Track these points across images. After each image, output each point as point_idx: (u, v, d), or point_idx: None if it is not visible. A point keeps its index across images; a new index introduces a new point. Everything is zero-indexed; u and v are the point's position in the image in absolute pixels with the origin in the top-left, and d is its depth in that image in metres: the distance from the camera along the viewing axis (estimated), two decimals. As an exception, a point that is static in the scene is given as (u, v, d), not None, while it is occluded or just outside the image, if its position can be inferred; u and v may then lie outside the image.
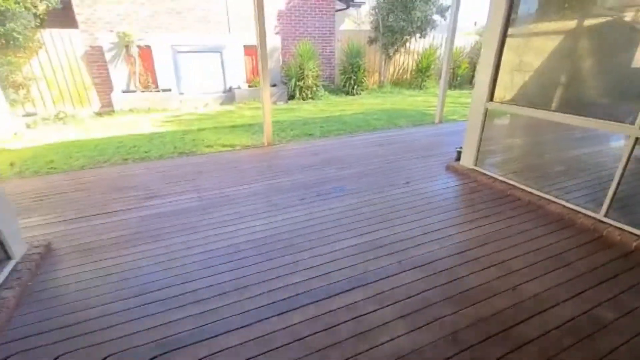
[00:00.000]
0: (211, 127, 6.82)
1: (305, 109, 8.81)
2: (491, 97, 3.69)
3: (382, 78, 12.27)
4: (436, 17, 11.05)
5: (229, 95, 9.85)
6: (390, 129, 6.56)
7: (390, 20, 10.78)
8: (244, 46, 9.94)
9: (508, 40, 3.43)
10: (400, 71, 13.05)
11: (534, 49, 3.35)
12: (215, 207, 3.35)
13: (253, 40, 10.25)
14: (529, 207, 3.23)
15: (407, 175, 4.09)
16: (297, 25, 10.88)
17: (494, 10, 3.44)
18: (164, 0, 9.19)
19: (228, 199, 3.51)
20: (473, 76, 13.28)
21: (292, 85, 10.12)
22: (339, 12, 12.25)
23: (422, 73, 12.42)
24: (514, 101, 3.53)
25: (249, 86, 10.01)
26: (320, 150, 5.12)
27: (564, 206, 3.11)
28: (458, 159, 4.51)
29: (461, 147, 4.56)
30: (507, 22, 3.38)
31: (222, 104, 9.73)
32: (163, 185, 3.88)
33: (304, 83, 10.19)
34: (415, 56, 12.64)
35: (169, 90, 9.19)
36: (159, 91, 9.09)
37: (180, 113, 8.41)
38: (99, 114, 8.55)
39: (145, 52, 8.97)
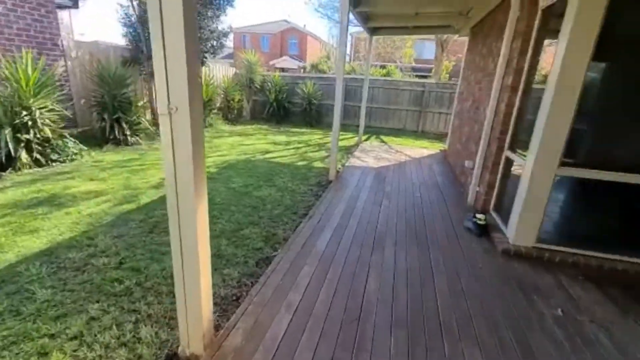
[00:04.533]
0: None
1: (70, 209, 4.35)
2: (562, 161, 2.95)
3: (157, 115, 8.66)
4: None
5: None
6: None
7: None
8: None
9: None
10: (170, 105, 9.85)
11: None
12: None
13: None
14: None
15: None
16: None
17: (575, 42, 2.67)
18: None
19: None
20: (241, 108, 12.38)
21: (4, 143, 4.79)
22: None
23: (204, 106, 9.97)
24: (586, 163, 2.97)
25: None
26: None
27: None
28: (481, 234, 3.52)
29: (477, 217, 3.59)
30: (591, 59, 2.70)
31: None
32: None
33: (35, 134, 5.12)
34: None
35: None
36: None
37: None
38: None
39: None
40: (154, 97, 8.54)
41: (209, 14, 8.43)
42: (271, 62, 30.19)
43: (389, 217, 3.97)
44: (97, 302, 2.30)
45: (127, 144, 7.08)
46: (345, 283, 2.60)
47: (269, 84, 12.42)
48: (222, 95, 11.43)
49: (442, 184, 5.50)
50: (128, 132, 7.09)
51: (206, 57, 8.82)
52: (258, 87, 12.45)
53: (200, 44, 8.12)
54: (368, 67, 8.66)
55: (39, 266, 2.66)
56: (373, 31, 7.97)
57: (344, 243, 3.25)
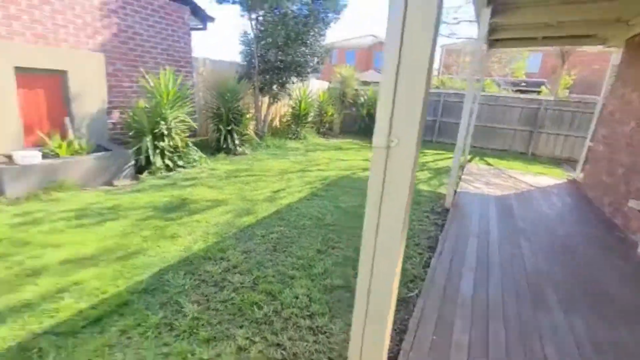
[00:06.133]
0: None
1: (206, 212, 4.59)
2: None
3: (260, 126, 9.17)
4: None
5: (-18, 182, 3.97)
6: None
7: (283, 53, 8.05)
8: (17, 69, 4.38)
9: None
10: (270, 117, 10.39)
11: None
12: None
13: (39, 59, 4.73)
14: None
15: None
16: (130, 40, 6.12)
17: None
18: None
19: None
20: (332, 122, 12.29)
21: (145, 148, 5.38)
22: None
23: (299, 120, 10.29)
24: None
25: (45, 153, 4.45)
26: None
27: None
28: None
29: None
30: None
31: (-42, 206, 3.75)
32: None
33: (168, 142, 5.69)
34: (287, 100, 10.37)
35: None
36: None
37: None
38: None
39: None
40: (260, 109, 9.04)
41: (316, 29, 8.59)
42: (356, 76, 30.39)
43: (537, 262, 3.30)
44: (241, 327, 2.22)
45: (235, 153, 7.53)
46: (517, 351, 2.10)
47: (362, 98, 12.30)
48: (316, 109, 11.63)
49: (588, 224, 4.52)
50: (237, 142, 7.56)
51: (308, 74, 9.03)
52: (350, 101, 12.42)
53: (307, 61, 8.34)
54: (481, 82, 7.88)
55: (183, 277, 2.74)
56: (492, 43, 7.22)
57: (493, 292, 2.73)
